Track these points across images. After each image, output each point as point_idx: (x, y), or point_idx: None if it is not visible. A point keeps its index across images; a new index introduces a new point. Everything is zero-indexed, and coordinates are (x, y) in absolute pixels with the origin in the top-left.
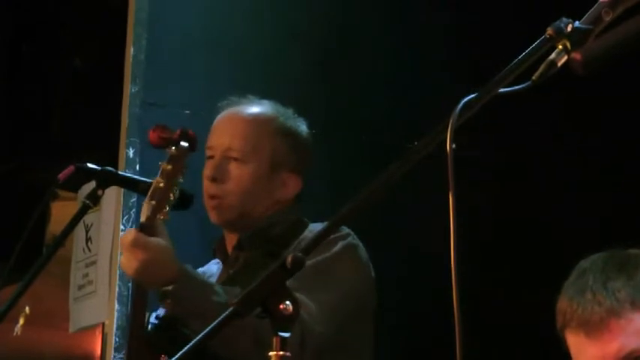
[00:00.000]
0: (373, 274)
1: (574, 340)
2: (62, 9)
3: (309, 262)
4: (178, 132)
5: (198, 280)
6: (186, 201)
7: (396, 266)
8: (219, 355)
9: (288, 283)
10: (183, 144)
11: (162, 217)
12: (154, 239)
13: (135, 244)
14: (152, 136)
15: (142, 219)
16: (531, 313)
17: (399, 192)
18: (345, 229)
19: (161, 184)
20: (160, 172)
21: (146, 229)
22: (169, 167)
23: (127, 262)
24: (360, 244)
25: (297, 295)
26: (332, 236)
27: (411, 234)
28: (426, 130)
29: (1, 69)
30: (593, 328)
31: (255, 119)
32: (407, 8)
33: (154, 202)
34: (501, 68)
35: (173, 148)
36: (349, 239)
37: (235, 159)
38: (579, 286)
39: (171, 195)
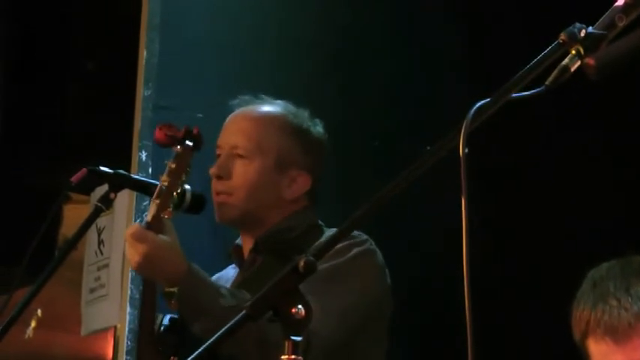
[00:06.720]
0: (389, 280)
1: (599, 348)
2: (75, 13)
3: (321, 267)
4: (183, 130)
5: (204, 282)
6: (198, 205)
7: (409, 269)
8: (221, 354)
9: (299, 286)
10: (188, 143)
11: (166, 215)
12: (157, 235)
13: (135, 238)
14: (158, 134)
15: (148, 218)
16: (544, 315)
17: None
18: (364, 236)
19: (166, 183)
20: (166, 170)
21: (152, 227)
22: (173, 166)
23: (130, 255)
24: (378, 251)
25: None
26: (348, 242)
27: (425, 236)
28: (439, 136)
29: (13, 72)
30: (621, 334)
31: (262, 117)
32: (419, 14)
33: (158, 201)
34: (514, 73)
35: (178, 146)
36: (366, 245)
37: (240, 156)
38: (600, 293)
39: (175, 194)
